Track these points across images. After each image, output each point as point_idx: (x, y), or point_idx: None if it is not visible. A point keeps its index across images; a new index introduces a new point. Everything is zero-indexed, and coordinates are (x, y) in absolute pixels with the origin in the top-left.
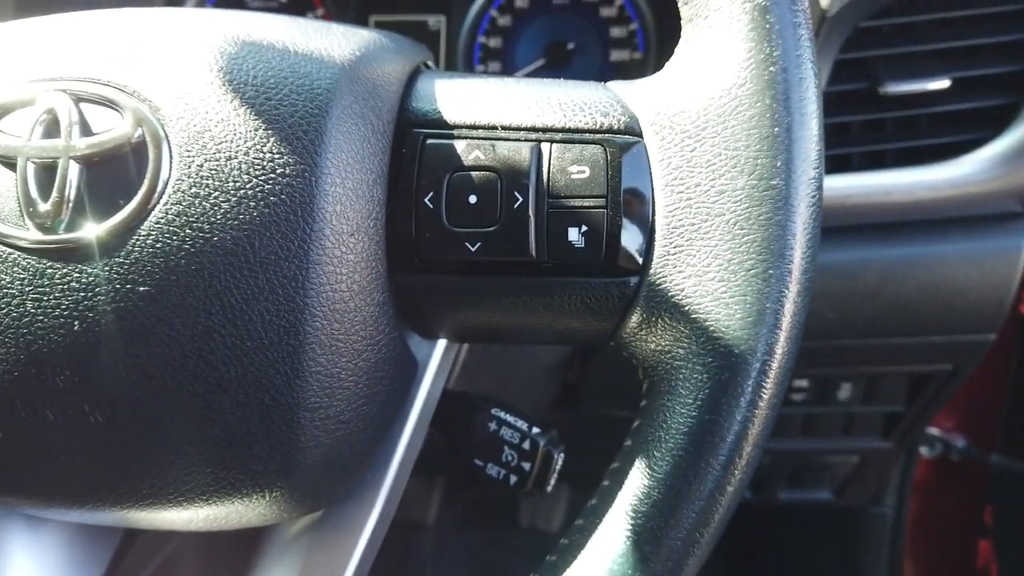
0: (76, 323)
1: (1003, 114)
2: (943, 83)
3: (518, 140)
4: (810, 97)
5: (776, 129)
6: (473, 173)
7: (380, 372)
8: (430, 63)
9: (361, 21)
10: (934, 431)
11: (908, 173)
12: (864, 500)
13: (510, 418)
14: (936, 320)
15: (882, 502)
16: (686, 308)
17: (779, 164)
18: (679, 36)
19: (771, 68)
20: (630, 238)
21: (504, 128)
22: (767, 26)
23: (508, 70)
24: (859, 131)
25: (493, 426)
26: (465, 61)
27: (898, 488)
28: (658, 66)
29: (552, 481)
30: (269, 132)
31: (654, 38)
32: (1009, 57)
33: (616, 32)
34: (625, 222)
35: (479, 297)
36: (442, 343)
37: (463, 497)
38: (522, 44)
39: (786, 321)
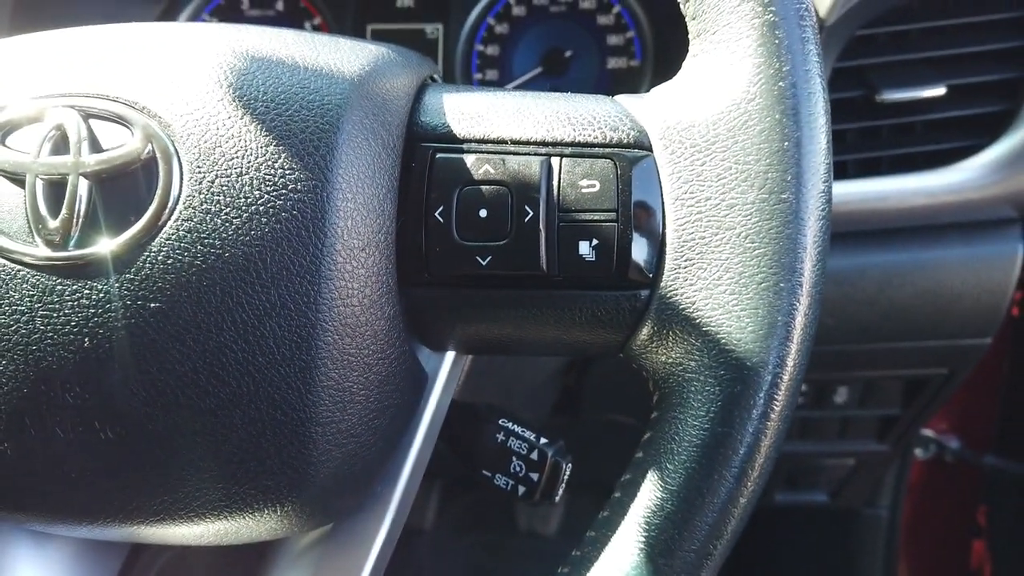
0: (86, 340)
1: (998, 120)
2: (939, 90)
3: (528, 154)
4: (819, 111)
5: (786, 143)
6: (483, 187)
7: (391, 385)
8: (437, 76)
9: (358, 30)
10: (928, 433)
11: (904, 180)
12: (859, 502)
13: (518, 429)
14: (933, 325)
15: (877, 503)
16: (697, 321)
17: (789, 178)
18: (676, 44)
19: (780, 83)
20: (641, 251)
21: (514, 142)
22: (776, 41)
23: (506, 78)
24: (855, 138)
25: (501, 437)
26: (463, 70)
27: (893, 489)
28: (655, 74)
29: (560, 491)
30: (280, 148)
31: (651, 46)
32: (1004, 64)
33: (613, 40)
34: (635, 235)
35: (489, 310)
36: (450, 355)
37: (461, 501)
38: (519, 52)
39: (797, 333)
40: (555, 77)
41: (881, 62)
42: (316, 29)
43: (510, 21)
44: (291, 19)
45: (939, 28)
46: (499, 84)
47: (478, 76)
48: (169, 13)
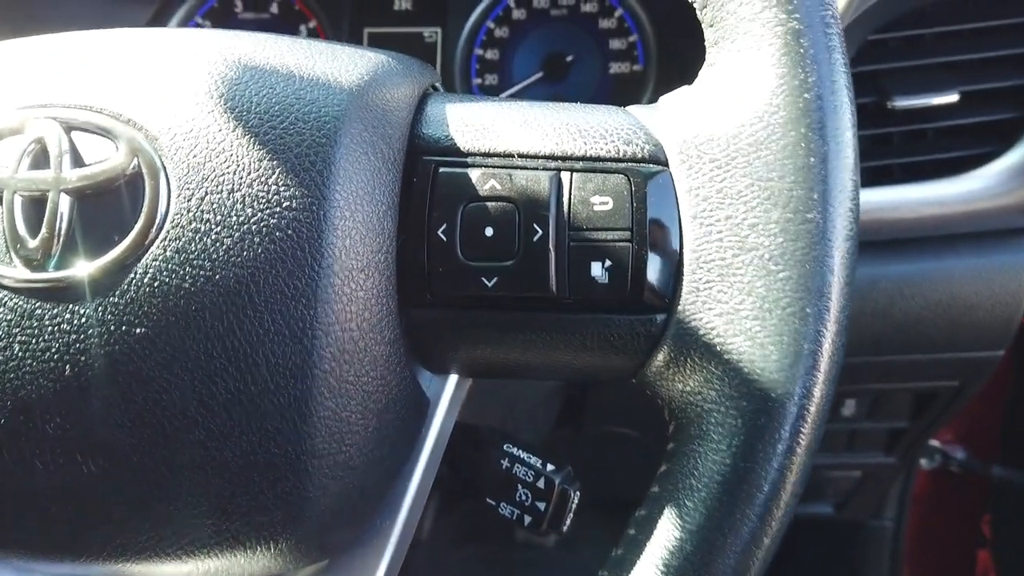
0: (67, 367)
1: (1012, 128)
2: (952, 97)
3: (536, 169)
4: (846, 126)
5: (812, 159)
6: (489, 204)
7: (391, 413)
8: (439, 85)
9: (355, 33)
10: (934, 443)
11: (915, 189)
12: (865, 514)
13: (523, 454)
14: (944, 338)
15: (882, 515)
16: (718, 348)
17: (815, 196)
18: (680, 49)
19: (806, 95)
20: (656, 273)
21: (521, 156)
22: (801, 51)
23: (505, 83)
24: (866, 146)
25: (506, 463)
26: (462, 74)
27: (898, 500)
28: (659, 79)
29: (568, 521)
30: (274, 163)
31: (654, 51)
32: (1018, 70)
33: (615, 44)
34: (651, 256)
35: (495, 333)
36: (454, 377)
37: (458, 512)
38: (520, 56)
39: (824, 362)
40: (556, 82)
41: (893, 67)
42: (311, 32)
43: (510, 25)
44: (286, 22)
45: (952, 33)
46: (499, 89)
47: (477, 81)
48: (161, 16)
